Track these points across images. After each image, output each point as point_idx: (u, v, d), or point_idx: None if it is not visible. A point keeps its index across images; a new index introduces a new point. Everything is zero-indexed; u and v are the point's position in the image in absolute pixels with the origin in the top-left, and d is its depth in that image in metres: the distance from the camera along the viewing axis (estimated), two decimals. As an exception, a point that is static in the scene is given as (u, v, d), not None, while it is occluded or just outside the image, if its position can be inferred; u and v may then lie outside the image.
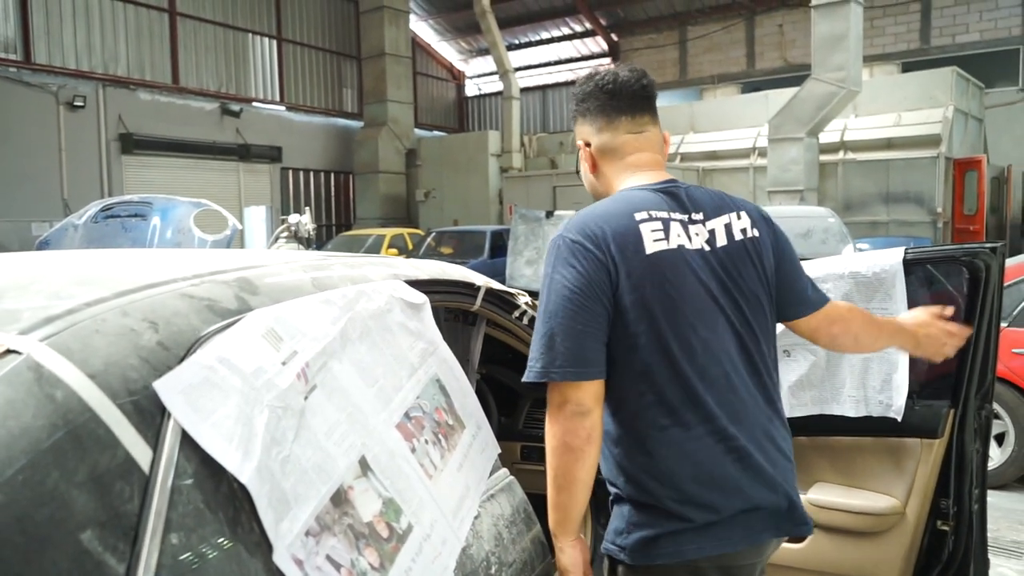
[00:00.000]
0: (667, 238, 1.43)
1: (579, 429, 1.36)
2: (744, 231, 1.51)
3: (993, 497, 3.18)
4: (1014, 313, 4.73)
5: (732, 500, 1.40)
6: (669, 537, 1.39)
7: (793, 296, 1.61)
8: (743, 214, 1.53)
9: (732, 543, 1.40)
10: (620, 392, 1.43)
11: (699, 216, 1.49)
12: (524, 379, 1.41)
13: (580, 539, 1.48)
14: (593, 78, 1.58)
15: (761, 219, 1.57)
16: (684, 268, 1.43)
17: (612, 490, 1.49)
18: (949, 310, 1.80)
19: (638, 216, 1.43)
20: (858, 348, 1.78)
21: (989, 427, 2.33)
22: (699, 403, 1.41)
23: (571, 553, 1.45)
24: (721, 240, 1.49)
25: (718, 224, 1.50)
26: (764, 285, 1.52)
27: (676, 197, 1.50)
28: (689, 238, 1.46)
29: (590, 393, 1.37)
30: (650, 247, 1.41)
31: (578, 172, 1.71)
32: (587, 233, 1.41)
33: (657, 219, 1.44)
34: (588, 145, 1.59)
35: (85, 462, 0.80)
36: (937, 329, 1.75)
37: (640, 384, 1.41)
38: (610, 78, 1.56)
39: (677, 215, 1.47)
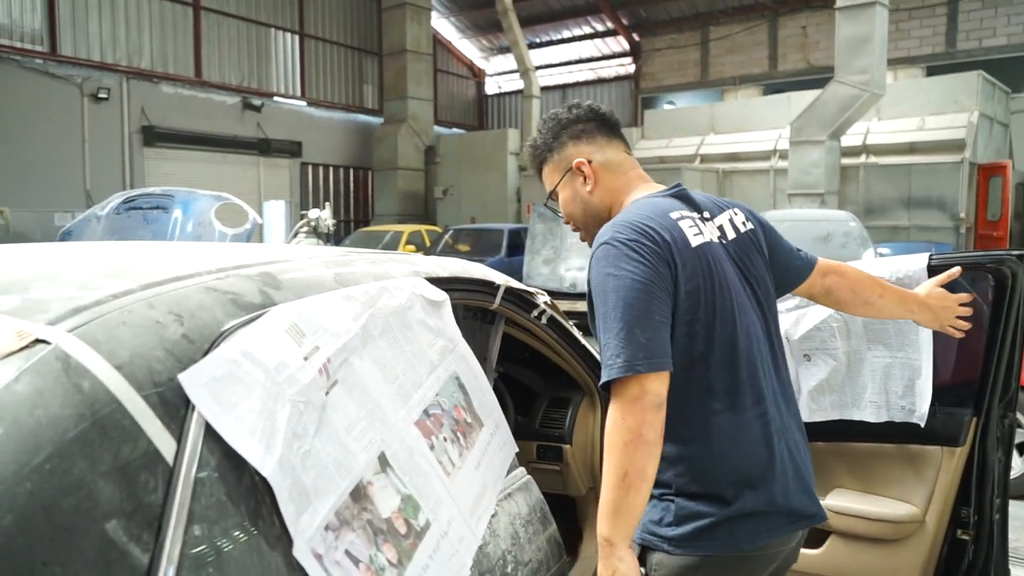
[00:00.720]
0: (702, 233, 1.52)
1: (655, 421, 1.33)
2: (744, 224, 1.64)
3: (1014, 507, 3.15)
4: (1038, 321, 4.66)
5: (780, 492, 1.46)
6: (724, 526, 1.42)
7: (792, 271, 1.74)
8: (738, 211, 1.66)
9: (780, 530, 1.47)
10: (674, 380, 1.42)
11: (708, 215, 1.60)
12: (605, 378, 1.36)
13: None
14: (581, 105, 1.70)
15: (750, 213, 1.68)
16: (721, 259, 1.52)
17: (655, 489, 1.44)
18: (957, 270, 1.89)
19: (673, 215, 1.52)
20: (859, 302, 1.81)
21: (1012, 436, 2.31)
22: (747, 386, 1.47)
23: (630, 561, 1.33)
24: (730, 234, 1.60)
25: (724, 220, 1.61)
26: (768, 272, 1.64)
27: (688, 200, 1.60)
28: (711, 234, 1.56)
29: (665, 384, 1.37)
30: (693, 241, 1.49)
31: (547, 204, 1.76)
32: (639, 231, 1.44)
33: (687, 217, 1.54)
34: (590, 163, 1.64)
35: (110, 452, 0.81)
36: (951, 302, 1.84)
37: (695, 371, 1.45)
38: (596, 104, 1.71)
39: (695, 214, 1.57)
